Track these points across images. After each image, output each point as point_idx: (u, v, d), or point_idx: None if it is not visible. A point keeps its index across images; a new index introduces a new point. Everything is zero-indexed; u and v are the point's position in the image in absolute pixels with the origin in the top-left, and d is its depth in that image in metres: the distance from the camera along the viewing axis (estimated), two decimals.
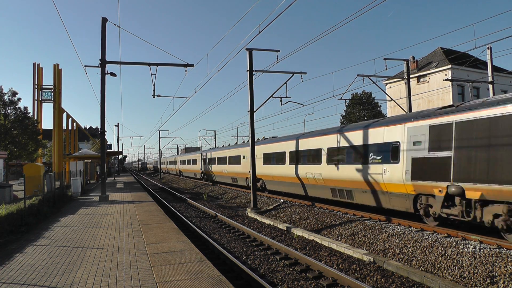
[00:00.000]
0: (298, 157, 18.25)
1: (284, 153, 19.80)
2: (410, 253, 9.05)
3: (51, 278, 6.43)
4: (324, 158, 15.90)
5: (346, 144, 14.51)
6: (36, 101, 28.99)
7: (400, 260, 8.91)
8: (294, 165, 18.47)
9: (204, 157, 37.74)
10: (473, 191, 9.04)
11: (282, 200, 18.73)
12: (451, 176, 9.59)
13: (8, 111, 24.72)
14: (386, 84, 40.69)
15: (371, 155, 12.97)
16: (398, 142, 11.67)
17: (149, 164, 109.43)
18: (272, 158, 21.20)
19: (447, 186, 9.72)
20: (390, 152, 12.02)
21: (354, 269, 8.33)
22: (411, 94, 20.48)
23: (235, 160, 27.65)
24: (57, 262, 7.45)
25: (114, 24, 18.87)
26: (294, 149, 18.63)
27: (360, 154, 13.55)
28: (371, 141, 13.08)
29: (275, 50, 17.06)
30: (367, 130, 13.41)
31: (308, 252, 9.86)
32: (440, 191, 9.99)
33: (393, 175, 11.75)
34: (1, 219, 10.09)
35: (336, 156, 15.09)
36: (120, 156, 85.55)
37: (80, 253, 8.17)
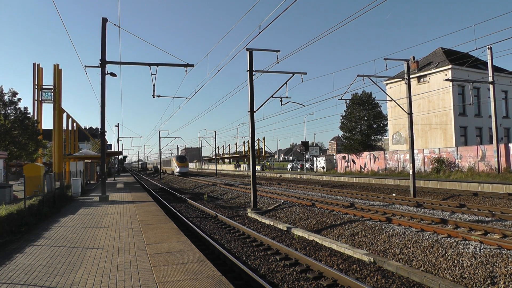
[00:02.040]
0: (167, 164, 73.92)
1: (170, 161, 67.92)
2: (410, 254, 9.05)
3: (51, 278, 6.43)
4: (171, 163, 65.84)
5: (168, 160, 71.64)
6: (36, 101, 28.92)
7: (401, 260, 8.91)
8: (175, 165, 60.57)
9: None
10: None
11: (282, 201, 18.75)
12: (173, 167, 62.37)
13: (8, 111, 24.64)
14: (387, 84, 40.68)
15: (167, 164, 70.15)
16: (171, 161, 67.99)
17: (149, 165, 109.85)
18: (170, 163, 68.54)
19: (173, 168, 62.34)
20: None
21: (354, 270, 8.32)
22: (412, 94, 20.47)
23: (168, 163, 71.92)
24: (57, 262, 7.44)
25: (114, 24, 18.83)
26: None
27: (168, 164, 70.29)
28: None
29: (275, 50, 17.00)
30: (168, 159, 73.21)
31: (308, 253, 9.85)
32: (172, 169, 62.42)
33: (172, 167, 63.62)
34: (1, 219, 10.08)
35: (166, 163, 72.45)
36: (120, 157, 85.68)
37: (80, 253, 8.16)
